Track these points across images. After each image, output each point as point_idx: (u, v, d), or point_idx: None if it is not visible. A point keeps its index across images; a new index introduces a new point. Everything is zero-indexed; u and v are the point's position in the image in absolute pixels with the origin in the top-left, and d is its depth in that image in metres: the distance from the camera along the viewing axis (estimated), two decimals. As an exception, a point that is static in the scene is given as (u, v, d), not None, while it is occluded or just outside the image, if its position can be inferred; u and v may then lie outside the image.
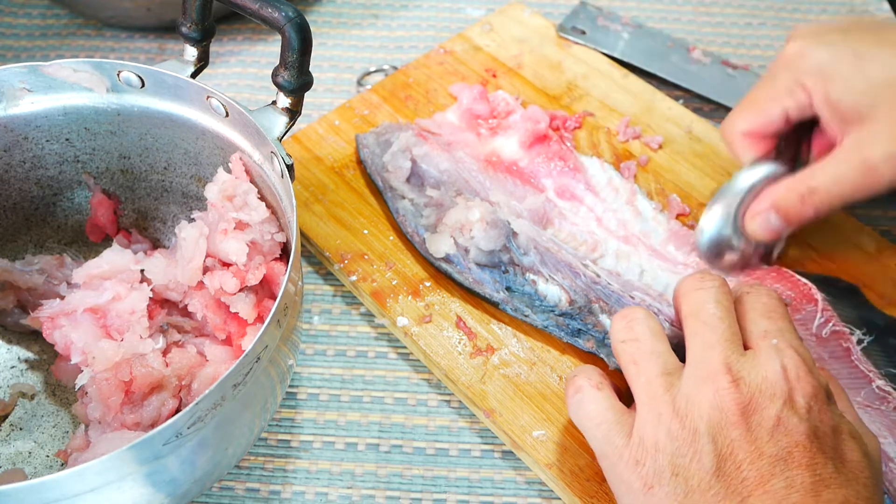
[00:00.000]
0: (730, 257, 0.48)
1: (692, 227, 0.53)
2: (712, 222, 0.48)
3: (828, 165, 0.43)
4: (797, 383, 0.35)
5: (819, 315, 0.45)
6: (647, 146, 0.58)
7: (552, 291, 0.48)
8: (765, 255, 0.49)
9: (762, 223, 0.45)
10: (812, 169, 0.44)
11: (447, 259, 0.49)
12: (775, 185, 0.45)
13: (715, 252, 0.49)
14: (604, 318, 0.47)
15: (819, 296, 0.46)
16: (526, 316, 0.48)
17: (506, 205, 0.51)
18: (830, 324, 0.45)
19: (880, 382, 0.43)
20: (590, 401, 0.38)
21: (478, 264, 0.49)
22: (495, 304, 0.48)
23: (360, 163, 0.56)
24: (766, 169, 0.47)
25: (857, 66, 0.42)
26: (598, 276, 0.48)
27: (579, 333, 0.47)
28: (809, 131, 0.48)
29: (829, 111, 0.43)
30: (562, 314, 0.47)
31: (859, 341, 0.45)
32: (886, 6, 0.71)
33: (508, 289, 0.48)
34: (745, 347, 0.38)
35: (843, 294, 0.48)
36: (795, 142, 0.48)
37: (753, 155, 0.47)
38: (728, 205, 0.47)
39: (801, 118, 0.45)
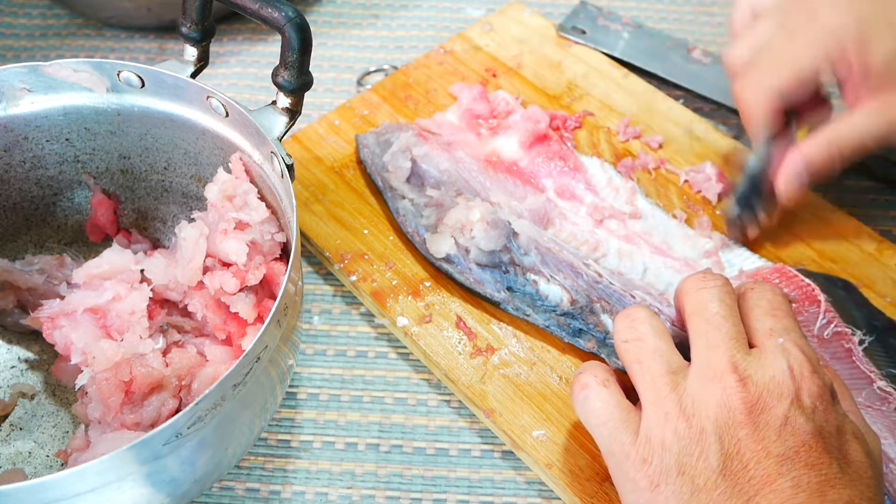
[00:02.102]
0: (751, 229, 0.51)
1: (692, 226, 0.53)
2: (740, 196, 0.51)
3: (855, 124, 0.45)
4: (803, 383, 0.35)
5: (821, 316, 0.45)
6: (647, 146, 0.58)
7: (553, 291, 0.48)
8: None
9: (794, 181, 0.47)
10: (838, 128, 0.45)
11: (448, 259, 0.49)
12: (805, 145, 0.46)
13: (738, 226, 0.51)
14: (605, 318, 0.47)
15: (822, 297, 0.46)
16: (527, 315, 0.48)
17: (506, 205, 0.51)
18: (832, 325, 0.45)
19: (881, 383, 0.43)
20: (596, 398, 0.38)
21: (478, 264, 0.49)
22: (496, 304, 0.48)
23: (360, 163, 0.56)
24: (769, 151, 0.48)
25: (891, 31, 0.43)
26: (600, 275, 0.48)
27: (580, 333, 0.47)
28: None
29: (860, 73, 0.44)
30: (563, 314, 0.47)
31: (860, 342, 0.45)
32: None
33: (509, 289, 0.48)
34: (750, 345, 0.38)
35: (843, 294, 0.48)
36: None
37: (772, 127, 0.47)
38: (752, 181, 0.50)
39: (824, 79, 0.46)
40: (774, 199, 0.49)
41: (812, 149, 0.46)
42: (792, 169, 0.47)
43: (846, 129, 0.45)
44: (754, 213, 0.50)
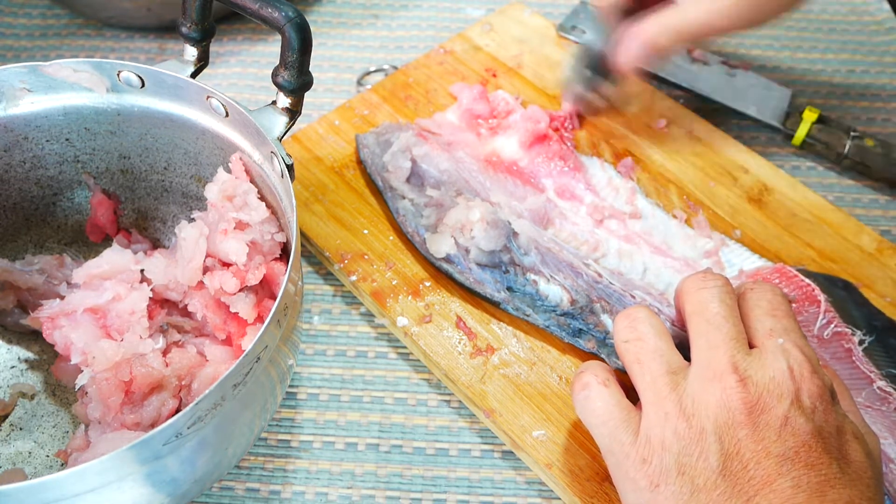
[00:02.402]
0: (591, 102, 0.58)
1: (692, 226, 0.53)
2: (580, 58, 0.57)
3: (687, 12, 0.50)
4: (803, 383, 0.35)
5: (821, 316, 0.45)
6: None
7: (553, 291, 0.48)
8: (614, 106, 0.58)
9: (632, 54, 0.52)
10: (673, 13, 0.51)
11: (448, 259, 0.49)
12: (645, 24, 0.52)
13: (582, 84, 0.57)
14: (605, 318, 0.47)
15: (822, 297, 0.46)
16: (527, 315, 0.48)
17: (506, 205, 0.51)
18: (832, 325, 0.45)
19: (881, 383, 0.43)
20: (597, 398, 0.38)
21: (478, 264, 0.49)
22: (496, 304, 0.48)
23: (360, 163, 0.56)
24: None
25: None
26: (600, 275, 0.48)
27: (580, 334, 0.47)
28: None
29: None
30: (563, 314, 0.47)
31: (860, 342, 0.45)
32: (886, 6, 0.71)
33: (509, 289, 0.48)
34: (750, 345, 0.38)
35: (843, 294, 0.48)
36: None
37: (618, 10, 0.54)
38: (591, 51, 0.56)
39: None
40: (613, 73, 0.55)
41: (650, 27, 0.51)
42: (632, 43, 0.52)
43: (680, 15, 0.50)
44: (593, 84, 0.56)
